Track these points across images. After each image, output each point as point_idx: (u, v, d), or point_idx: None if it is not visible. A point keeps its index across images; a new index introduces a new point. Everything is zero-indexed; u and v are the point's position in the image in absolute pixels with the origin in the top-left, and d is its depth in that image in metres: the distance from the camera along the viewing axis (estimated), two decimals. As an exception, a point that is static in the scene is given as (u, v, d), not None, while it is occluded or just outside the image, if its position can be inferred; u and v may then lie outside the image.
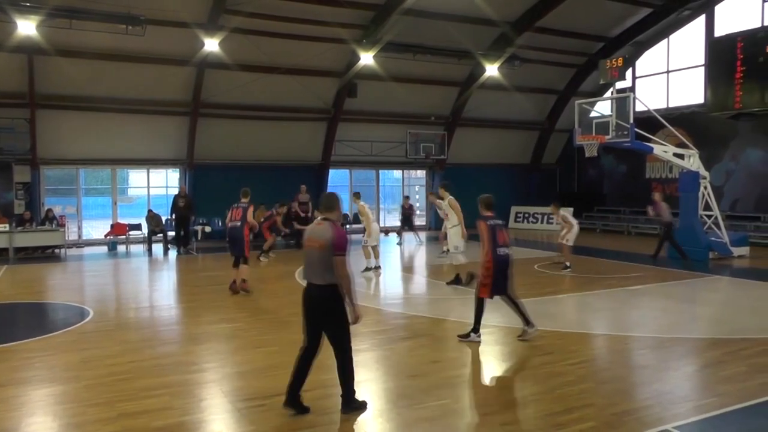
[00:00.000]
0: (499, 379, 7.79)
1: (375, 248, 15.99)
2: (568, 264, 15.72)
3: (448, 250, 17.44)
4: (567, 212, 16.64)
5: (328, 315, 6.33)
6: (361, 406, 6.44)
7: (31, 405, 6.83)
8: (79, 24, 18.53)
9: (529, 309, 11.05)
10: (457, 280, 13.83)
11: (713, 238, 17.99)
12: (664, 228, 17.61)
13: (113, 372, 7.74)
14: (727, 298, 13.22)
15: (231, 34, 20.20)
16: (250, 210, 13.12)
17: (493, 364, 8.39)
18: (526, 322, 9.16)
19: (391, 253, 21.28)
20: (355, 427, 6.21)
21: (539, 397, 6.80)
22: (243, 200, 13.31)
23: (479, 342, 9.02)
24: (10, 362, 8.37)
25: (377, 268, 15.99)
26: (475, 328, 9.08)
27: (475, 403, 6.86)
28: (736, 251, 17.97)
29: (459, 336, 9.22)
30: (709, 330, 9.75)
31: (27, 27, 17.62)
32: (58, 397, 6.99)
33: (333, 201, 6.47)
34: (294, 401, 6.35)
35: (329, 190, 25.97)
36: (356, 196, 17.14)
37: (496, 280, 8.99)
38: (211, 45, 19.98)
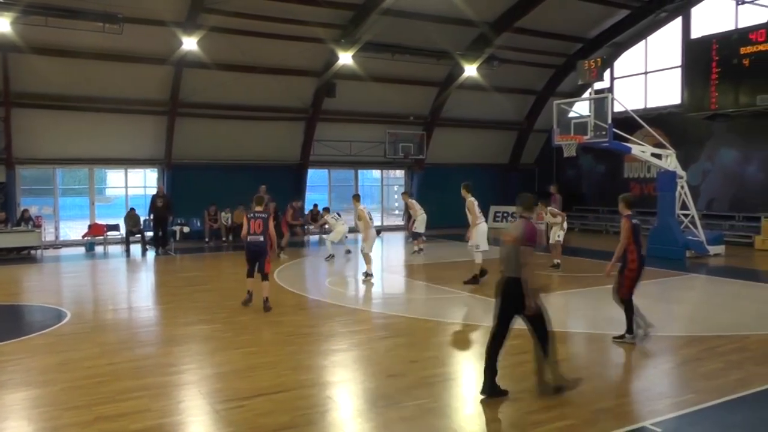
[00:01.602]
0: (477, 378, 7.80)
1: (367, 256, 15.14)
2: (557, 262, 15.74)
3: (420, 249, 19.16)
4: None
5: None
6: (560, 389, 6.75)
7: (5, 409, 6.75)
8: (55, 21, 18.26)
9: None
10: (475, 280, 13.81)
11: (690, 237, 18.21)
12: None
13: (90, 374, 7.67)
14: (703, 296, 13.39)
15: (209, 33, 20.06)
16: (270, 220, 11.91)
17: (471, 363, 8.42)
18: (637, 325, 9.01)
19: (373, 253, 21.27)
20: (334, 427, 6.20)
21: (518, 395, 6.83)
22: (257, 209, 11.92)
23: (633, 344, 8.86)
24: (-16, 364, 8.28)
25: (368, 275, 14.99)
26: (629, 329, 8.93)
27: (454, 403, 6.89)
28: (712, 250, 18.19)
29: (614, 338, 9.09)
30: (686, 328, 9.85)
31: (1, 24, 17.34)
32: (33, 401, 6.92)
33: (531, 201, 7.12)
34: (492, 388, 6.72)
35: (306, 189, 26.03)
36: (356, 198, 16.30)
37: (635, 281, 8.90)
38: (190, 44, 19.84)
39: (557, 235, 16.03)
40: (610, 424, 5.99)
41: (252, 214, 11.77)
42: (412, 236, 20.58)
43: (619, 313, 9.42)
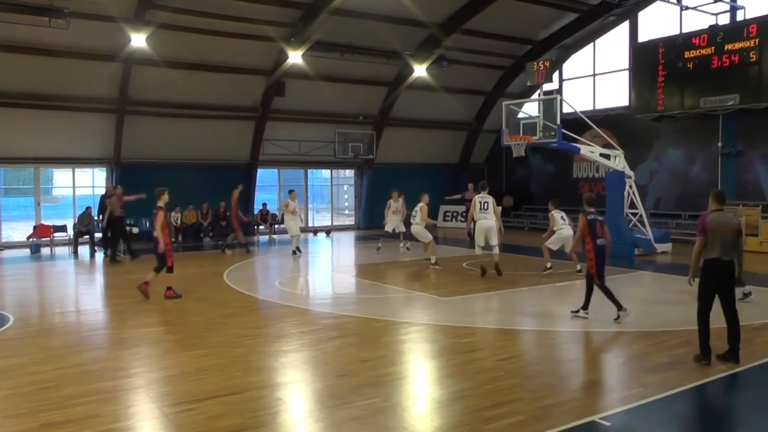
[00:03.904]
0: (428, 377, 7.86)
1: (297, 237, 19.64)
2: (549, 265, 15.27)
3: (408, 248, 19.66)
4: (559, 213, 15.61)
5: (731, 284, 7.87)
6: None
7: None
8: (-2, 16, 17.82)
9: (458, 306, 11.20)
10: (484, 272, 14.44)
11: (638, 235, 18.62)
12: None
13: (36, 380, 7.47)
14: (651, 292, 13.69)
15: (158, 29, 19.77)
16: (159, 216, 12.17)
17: (421, 362, 8.47)
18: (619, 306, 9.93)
19: (321, 253, 21.25)
20: (285, 428, 6.17)
21: (468, 393, 6.89)
22: (158, 204, 12.40)
23: (586, 318, 10.10)
24: None
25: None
26: (618, 307, 9.97)
27: (404, 401, 6.90)
28: (660, 248, 18.60)
29: (572, 312, 10.33)
30: (633, 323, 10.05)
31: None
32: (-25, 408, 6.70)
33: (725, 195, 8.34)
34: (709, 354, 7.68)
35: (256, 188, 25.91)
36: (291, 194, 20.17)
37: (600, 267, 10.05)
38: (138, 40, 19.50)
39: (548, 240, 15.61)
40: (560, 420, 6.07)
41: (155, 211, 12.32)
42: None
43: (567, 310, 9.61)
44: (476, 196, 14.91)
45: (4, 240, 22.56)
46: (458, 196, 25.11)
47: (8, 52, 19.54)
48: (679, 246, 19.52)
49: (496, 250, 14.58)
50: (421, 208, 16.68)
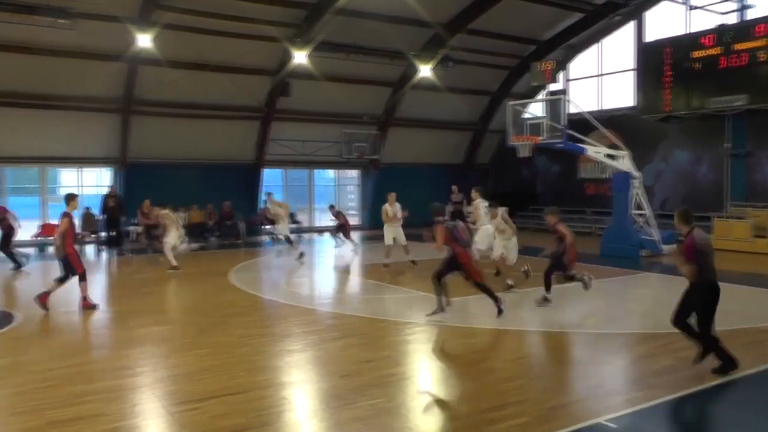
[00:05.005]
0: (432, 377, 7.84)
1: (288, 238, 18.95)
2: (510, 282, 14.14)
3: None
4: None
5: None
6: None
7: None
8: (5, 16, 17.85)
9: (463, 307, 11.19)
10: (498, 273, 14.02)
11: (644, 236, 18.54)
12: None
13: (42, 378, 7.49)
14: (657, 293, 13.62)
15: (163, 30, 19.81)
16: (63, 222, 11.29)
17: (426, 362, 8.45)
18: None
19: (326, 252, 21.23)
20: (289, 428, 6.16)
21: (473, 394, 6.87)
22: (66, 209, 11.53)
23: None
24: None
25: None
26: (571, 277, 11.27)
27: (409, 402, 6.89)
28: (666, 248, 18.53)
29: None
30: (639, 325, 10.02)
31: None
32: (-19, 406, 6.73)
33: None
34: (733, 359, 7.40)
35: (262, 189, 25.91)
36: (269, 195, 19.84)
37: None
38: (144, 41, 19.54)
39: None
40: (565, 421, 6.05)
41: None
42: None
43: (573, 312, 9.58)
44: (480, 202, 14.68)
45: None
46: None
47: (14, 53, 19.63)
48: (686, 247, 19.41)
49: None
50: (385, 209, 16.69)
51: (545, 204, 28.23)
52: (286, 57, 22.80)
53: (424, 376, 7.89)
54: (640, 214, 18.95)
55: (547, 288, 11.25)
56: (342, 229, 21.03)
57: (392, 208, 17.00)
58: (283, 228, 19.04)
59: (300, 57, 22.16)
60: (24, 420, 6.22)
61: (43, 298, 11.29)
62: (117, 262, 18.90)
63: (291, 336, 9.62)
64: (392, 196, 17.21)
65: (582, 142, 18.87)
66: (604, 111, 25.63)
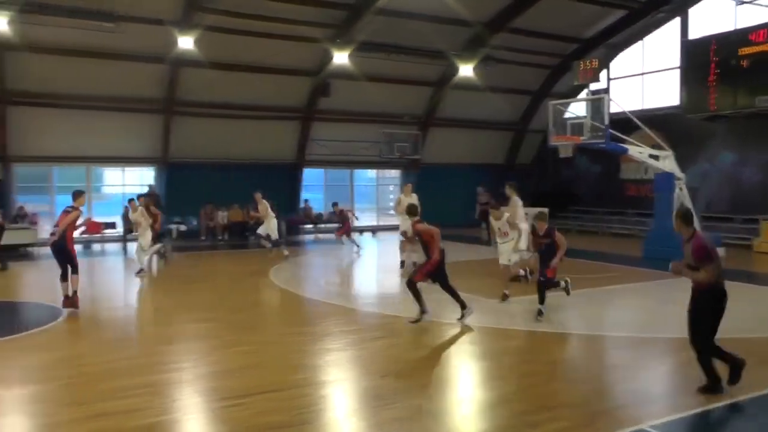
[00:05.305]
0: (472, 379, 7.80)
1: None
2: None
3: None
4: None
5: None
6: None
7: (5, 405, 6.78)
8: (51, 20, 18.27)
9: (504, 308, 11.11)
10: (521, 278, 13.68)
11: (688, 239, 18.12)
12: None
13: (88, 372, 7.67)
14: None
15: (205, 32, 20.05)
16: (66, 216, 11.13)
17: (467, 364, 8.40)
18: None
19: (366, 252, 21.26)
20: (329, 426, 6.18)
21: (513, 396, 6.81)
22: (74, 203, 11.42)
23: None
24: (-19, 362, 8.30)
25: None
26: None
27: (448, 404, 6.86)
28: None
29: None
30: (683, 329, 9.80)
31: (-2, 22, 17.28)
32: (32, 397, 6.94)
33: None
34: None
35: (303, 189, 26.06)
36: (257, 194, 18.99)
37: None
38: (185, 43, 19.81)
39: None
40: (607, 426, 5.97)
41: (65, 208, 11.33)
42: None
43: (615, 315, 9.42)
44: (517, 199, 14.01)
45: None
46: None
47: (61, 55, 20.10)
48: (731, 250, 19.05)
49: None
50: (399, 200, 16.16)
51: (586, 205, 28.03)
52: (327, 57, 22.90)
53: (464, 378, 7.85)
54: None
55: (542, 300, 10.42)
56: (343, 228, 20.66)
57: (408, 199, 15.67)
58: (267, 227, 18.65)
59: (340, 57, 22.24)
60: (71, 411, 6.38)
61: (70, 302, 11.13)
62: (157, 260, 19.15)
63: (331, 335, 9.65)
64: (408, 187, 16.73)
65: (624, 142, 18.58)
66: (647, 110, 25.18)
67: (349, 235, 20.44)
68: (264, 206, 18.59)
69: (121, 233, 22.06)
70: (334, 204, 22.11)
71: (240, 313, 11.20)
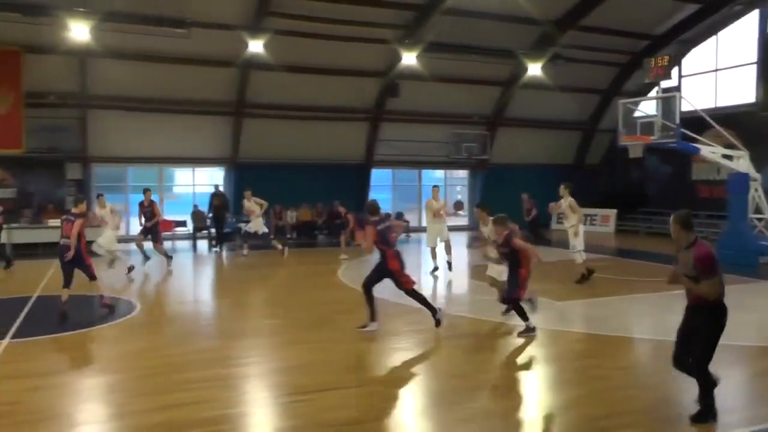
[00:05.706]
0: (540, 382, 7.74)
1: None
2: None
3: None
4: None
5: None
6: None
7: (84, 392, 7.16)
8: (128, 28, 18.95)
9: (573, 311, 10.97)
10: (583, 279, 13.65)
11: (763, 242, 17.50)
12: None
13: (160, 364, 7.95)
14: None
15: (274, 35, 20.38)
16: (77, 224, 10.63)
17: (534, 367, 8.34)
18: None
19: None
20: (395, 425, 6.25)
21: (581, 400, 6.74)
22: (73, 210, 11.13)
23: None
24: (64, 351, 8.80)
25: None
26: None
27: (516, 406, 6.84)
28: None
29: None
30: (759, 338, 9.52)
31: (80, 31, 17.90)
32: (109, 386, 7.25)
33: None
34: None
35: (371, 189, 26.21)
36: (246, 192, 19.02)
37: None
38: (256, 47, 20.19)
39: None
40: (679, 433, 5.85)
41: (65, 217, 10.95)
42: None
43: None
44: (572, 200, 13.86)
45: (131, 233, 23.89)
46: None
47: (137, 61, 20.86)
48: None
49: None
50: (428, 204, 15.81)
51: (656, 206, 27.29)
52: (395, 58, 22.99)
53: (532, 381, 7.80)
54: (760, 219, 17.94)
55: (524, 317, 9.37)
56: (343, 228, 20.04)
57: (437, 203, 15.82)
58: (256, 224, 18.65)
59: (409, 58, 22.27)
60: (144, 401, 6.64)
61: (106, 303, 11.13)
62: (228, 257, 19.62)
63: (399, 334, 9.70)
64: (436, 189, 16.30)
65: (696, 141, 18.09)
66: (721, 108, 24.35)
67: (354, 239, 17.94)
68: (252, 204, 18.77)
69: (191, 231, 22.71)
70: (341, 204, 21.60)
71: (308, 310, 11.37)
